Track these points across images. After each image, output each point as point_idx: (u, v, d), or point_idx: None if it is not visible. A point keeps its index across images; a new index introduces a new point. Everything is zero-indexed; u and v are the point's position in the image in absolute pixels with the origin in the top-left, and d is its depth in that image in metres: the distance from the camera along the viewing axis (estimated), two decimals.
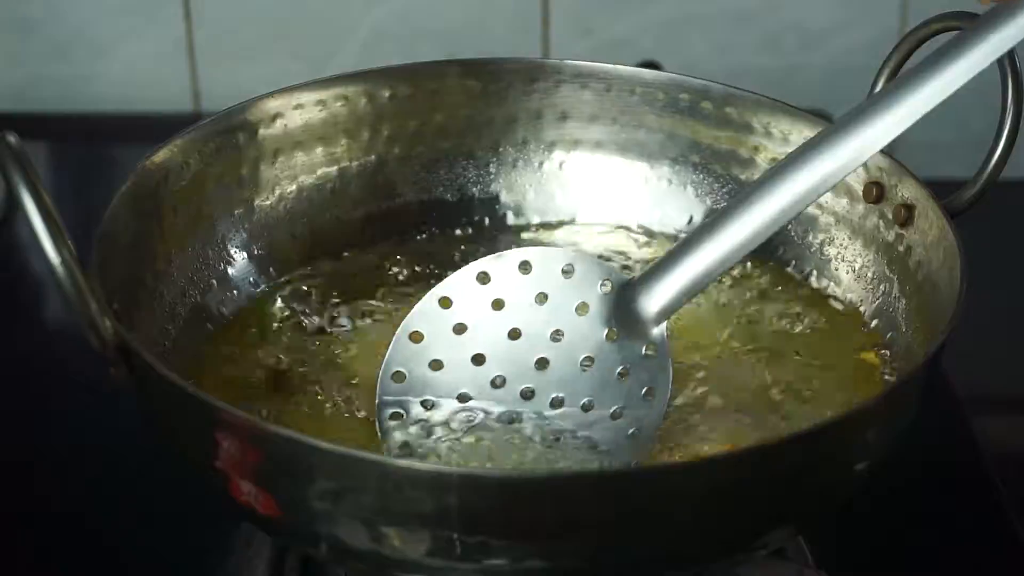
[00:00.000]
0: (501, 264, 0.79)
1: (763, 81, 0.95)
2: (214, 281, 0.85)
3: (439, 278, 0.81)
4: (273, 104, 0.88)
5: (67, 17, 1.27)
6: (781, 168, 0.77)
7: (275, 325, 0.85)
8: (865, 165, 0.85)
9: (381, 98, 0.91)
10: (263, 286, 0.87)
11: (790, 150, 0.88)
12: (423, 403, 0.78)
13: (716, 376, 0.82)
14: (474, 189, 0.93)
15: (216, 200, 0.86)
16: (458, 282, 0.79)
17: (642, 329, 0.78)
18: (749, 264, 0.89)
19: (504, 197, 0.93)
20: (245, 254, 0.87)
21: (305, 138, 0.89)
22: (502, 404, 0.78)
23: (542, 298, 0.79)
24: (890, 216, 0.85)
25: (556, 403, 0.78)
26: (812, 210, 0.88)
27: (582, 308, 0.79)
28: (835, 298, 0.87)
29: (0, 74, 1.29)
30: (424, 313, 0.79)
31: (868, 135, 0.75)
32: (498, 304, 0.79)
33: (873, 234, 0.86)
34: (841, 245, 0.88)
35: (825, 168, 0.76)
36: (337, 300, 0.87)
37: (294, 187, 0.89)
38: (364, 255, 0.90)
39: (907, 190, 0.83)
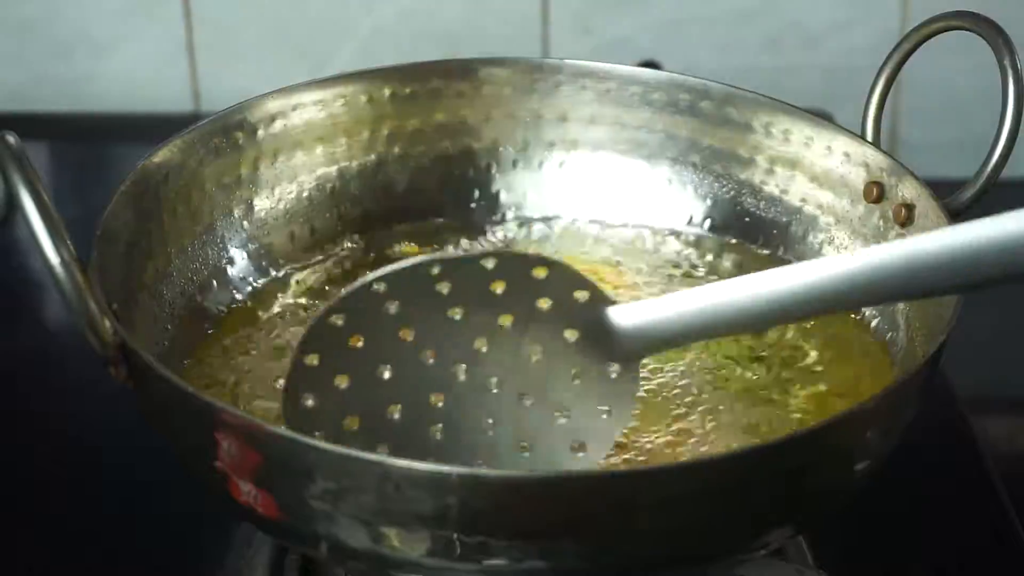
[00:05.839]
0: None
1: (763, 81, 0.95)
2: (214, 281, 0.85)
3: None
4: (273, 104, 0.88)
5: (67, 17, 1.27)
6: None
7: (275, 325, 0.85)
8: (865, 165, 0.85)
9: (381, 98, 0.91)
10: (263, 286, 0.87)
11: (790, 150, 0.88)
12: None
13: (713, 375, 0.82)
14: (474, 189, 0.93)
15: (216, 200, 0.86)
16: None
17: (613, 348, 0.72)
18: (749, 265, 0.89)
19: (504, 197, 0.93)
20: (245, 254, 0.87)
21: (305, 138, 0.89)
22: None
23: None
24: (890, 216, 0.85)
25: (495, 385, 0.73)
26: (812, 210, 0.88)
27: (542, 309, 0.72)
28: None
29: (0, 74, 1.29)
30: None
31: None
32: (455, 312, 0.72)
33: (873, 234, 0.86)
34: (841, 245, 0.88)
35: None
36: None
37: (294, 187, 0.89)
38: (363, 256, 0.90)
39: (907, 190, 0.83)
